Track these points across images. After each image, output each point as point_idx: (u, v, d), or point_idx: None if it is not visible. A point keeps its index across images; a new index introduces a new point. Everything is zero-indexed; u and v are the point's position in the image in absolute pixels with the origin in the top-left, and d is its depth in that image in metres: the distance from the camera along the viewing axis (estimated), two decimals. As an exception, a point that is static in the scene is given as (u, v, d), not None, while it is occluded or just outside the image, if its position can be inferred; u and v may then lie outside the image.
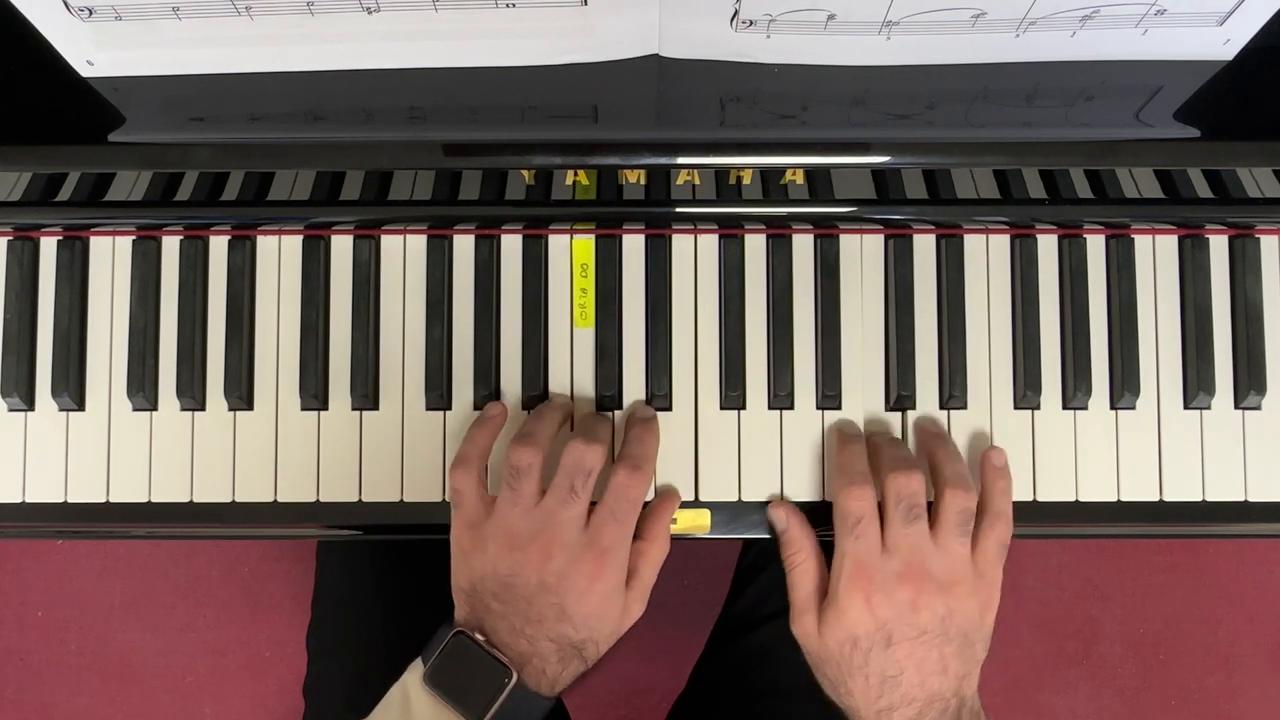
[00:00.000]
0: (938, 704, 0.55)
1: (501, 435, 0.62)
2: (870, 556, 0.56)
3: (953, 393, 0.63)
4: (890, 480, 0.57)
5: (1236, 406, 0.64)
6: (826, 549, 0.60)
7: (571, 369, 0.63)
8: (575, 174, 0.60)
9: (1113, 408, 0.64)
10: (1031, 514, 0.62)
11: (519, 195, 0.61)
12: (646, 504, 0.61)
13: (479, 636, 0.55)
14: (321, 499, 0.63)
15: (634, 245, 0.64)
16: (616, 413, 0.63)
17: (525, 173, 0.60)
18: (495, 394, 0.63)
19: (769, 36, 0.54)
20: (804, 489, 0.63)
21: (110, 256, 0.64)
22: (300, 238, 0.64)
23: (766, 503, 0.63)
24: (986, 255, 0.64)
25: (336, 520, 0.63)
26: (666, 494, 0.62)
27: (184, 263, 0.64)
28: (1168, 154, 0.58)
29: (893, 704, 0.55)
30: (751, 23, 0.53)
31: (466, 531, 0.58)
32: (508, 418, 0.62)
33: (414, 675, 0.56)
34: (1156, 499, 0.63)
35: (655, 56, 0.55)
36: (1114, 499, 0.63)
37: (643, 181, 0.60)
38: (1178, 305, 0.64)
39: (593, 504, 0.58)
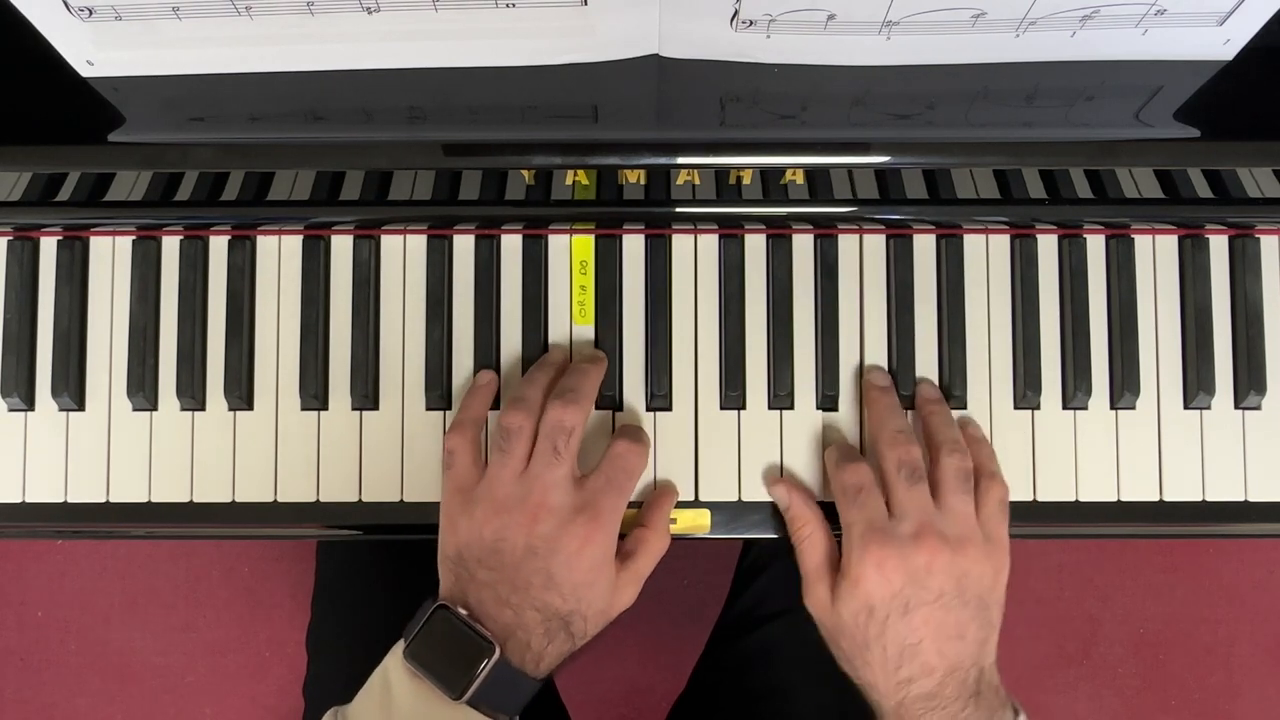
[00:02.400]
0: (958, 674, 0.54)
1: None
2: (879, 521, 0.56)
3: (953, 392, 0.63)
4: (889, 451, 0.58)
5: (1236, 406, 0.64)
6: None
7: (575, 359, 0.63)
8: (575, 174, 0.60)
9: (1113, 408, 0.64)
10: (1031, 514, 0.62)
11: (519, 195, 0.61)
12: (637, 503, 0.61)
13: (462, 610, 0.55)
14: (321, 499, 0.63)
15: (634, 245, 0.64)
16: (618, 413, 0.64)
17: (525, 173, 0.60)
18: (495, 393, 0.63)
19: (769, 36, 0.54)
20: (804, 489, 0.63)
21: (110, 256, 0.64)
22: (300, 238, 0.64)
23: (767, 503, 0.63)
24: (986, 255, 0.64)
25: (336, 520, 0.63)
26: (666, 487, 0.62)
27: (184, 263, 0.64)
28: (1168, 154, 0.58)
29: (912, 675, 0.54)
30: (751, 23, 0.54)
31: (456, 496, 0.57)
32: (500, 385, 0.63)
33: (394, 656, 0.56)
34: (1156, 499, 0.63)
35: (655, 56, 0.55)
36: (1114, 499, 0.63)
37: (643, 181, 0.60)
38: (1178, 305, 0.64)
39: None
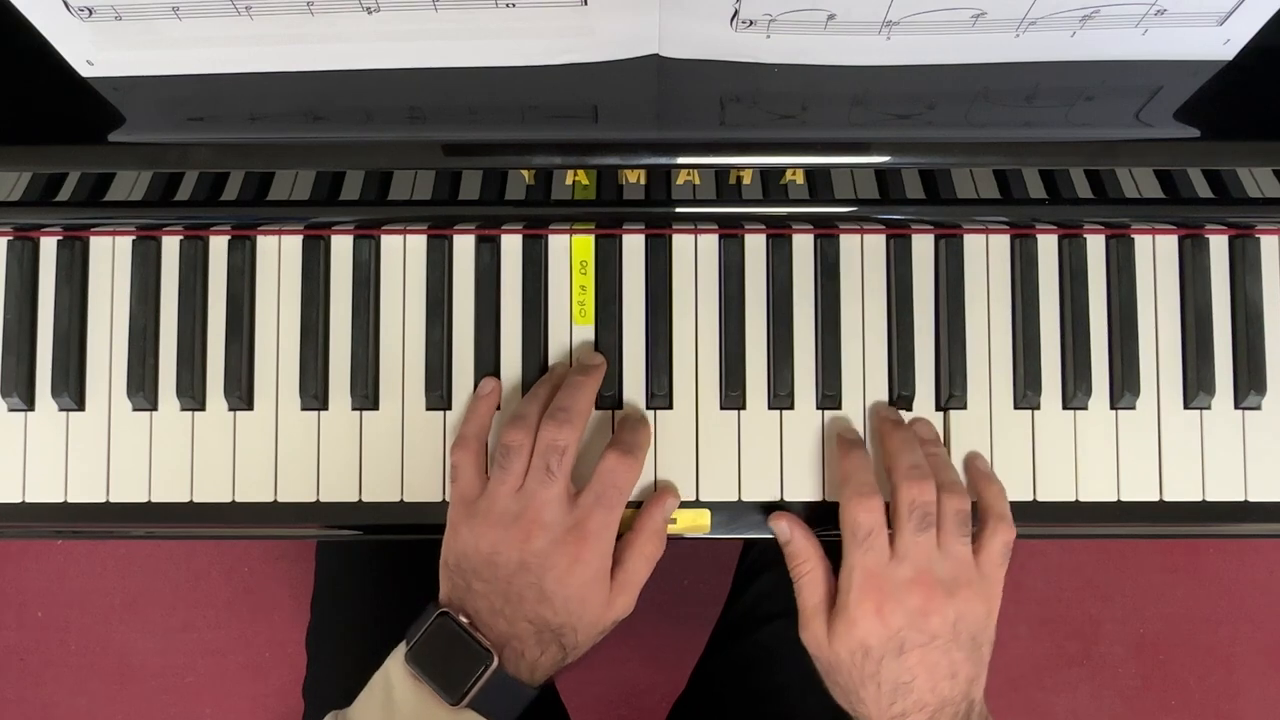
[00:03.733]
0: (949, 709, 0.56)
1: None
2: (880, 566, 0.56)
3: (953, 392, 0.63)
4: (905, 488, 0.57)
5: (1236, 406, 0.64)
6: (831, 550, 0.60)
7: (571, 368, 0.63)
8: (575, 174, 0.60)
9: (1113, 408, 0.64)
10: (1031, 514, 0.62)
11: (519, 195, 0.61)
12: (638, 503, 0.61)
13: (463, 618, 0.56)
14: (321, 499, 0.63)
15: (634, 245, 0.64)
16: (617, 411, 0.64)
17: (525, 173, 0.60)
18: (499, 400, 0.63)
19: (769, 36, 0.54)
20: (804, 489, 0.63)
21: (110, 256, 0.64)
22: (300, 238, 0.64)
23: (767, 503, 0.63)
24: (986, 255, 0.64)
25: (336, 520, 0.63)
26: (664, 490, 0.62)
27: (184, 263, 0.64)
28: (1168, 154, 0.58)
29: (905, 710, 0.55)
30: (751, 23, 0.54)
31: (460, 507, 0.58)
32: (502, 392, 0.63)
33: (396, 659, 0.57)
34: (1156, 499, 0.63)
35: (655, 56, 0.55)
36: (1114, 499, 0.63)
37: (643, 181, 0.60)
38: (1178, 305, 0.64)
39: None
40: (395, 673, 0.56)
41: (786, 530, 0.61)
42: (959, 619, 0.56)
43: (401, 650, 0.56)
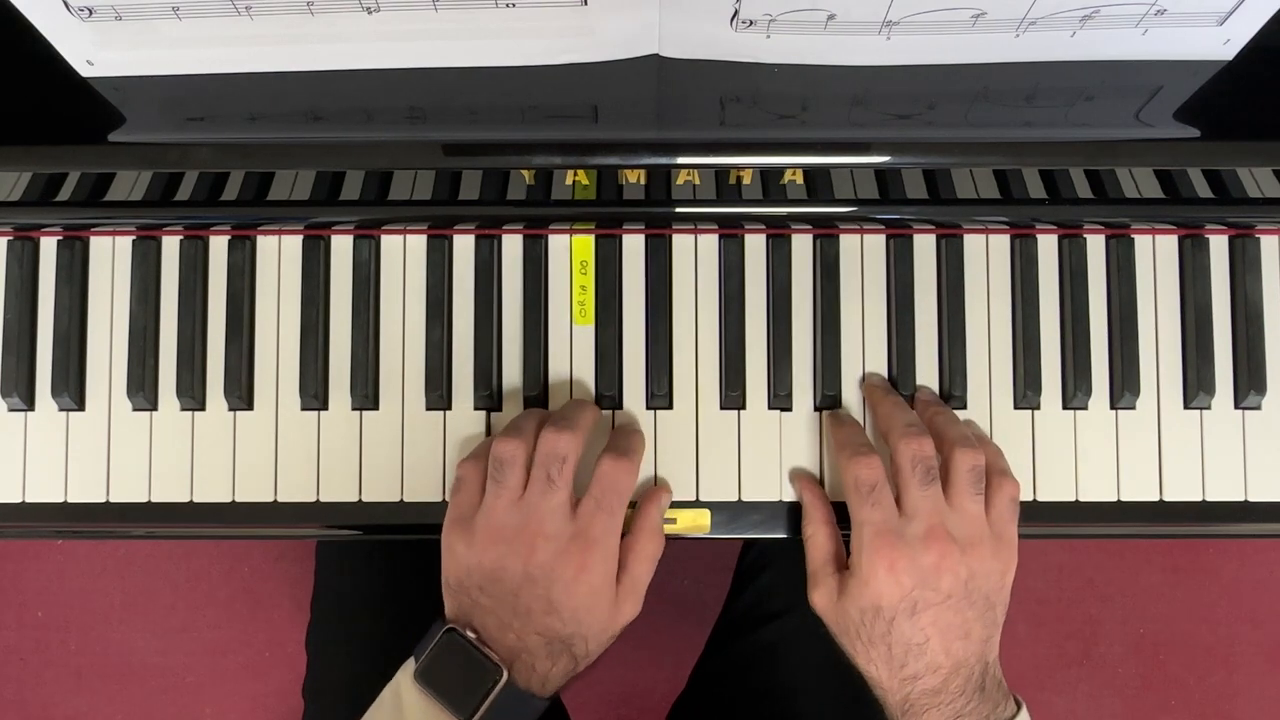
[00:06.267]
0: (963, 670, 0.55)
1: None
2: (890, 522, 0.56)
3: (953, 392, 0.63)
4: (903, 445, 0.57)
5: (1236, 406, 0.64)
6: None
7: (571, 369, 0.63)
8: (575, 174, 0.60)
9: (1113, 408, 0.64)
10: (1031, 514, 0.62)
11: (519, 195, 0.61)
12: (634, 503, 0.61)
13: (470, 634, 0.55)
14: (321, 499, 0.63)
15: (634, 245, 0.64)
16: (617, 412, 0.64)
17: (525, 173, 0.60)
18: (496, 394, 0.63)
19: (769, 36, 0.54)
20: (804, 489, 0.63)
21: (110, 256, 0.64)
22: (300, 238, 0.64)
23: (766, 503, 0.63)
24: (986, 255, 0.64)
25: (336, 520, 0.63)
26: (657, 488, 0.62)
27: (184, 263, 0.64)
28: (1168, 154, 0.58)
29: (918, 672, 0.55)
30: (751, 23, 0.54)
31: (456, 525, 0.57)
32: (503, 400, 0.63)
33: (405, 675, 0.56)
34: (1156, 499, 0.63)
35: (655, 56, 0.55)
36: (1114, 499, 0.63)
37: (643, 181, 0.60)
38: (1178, 305, 0.64)
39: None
40: (405, 687, 0.55)
41: (798, 490, 0.62)
42: (971, 577, 0.55)
43: (410, 666, 0.56)
